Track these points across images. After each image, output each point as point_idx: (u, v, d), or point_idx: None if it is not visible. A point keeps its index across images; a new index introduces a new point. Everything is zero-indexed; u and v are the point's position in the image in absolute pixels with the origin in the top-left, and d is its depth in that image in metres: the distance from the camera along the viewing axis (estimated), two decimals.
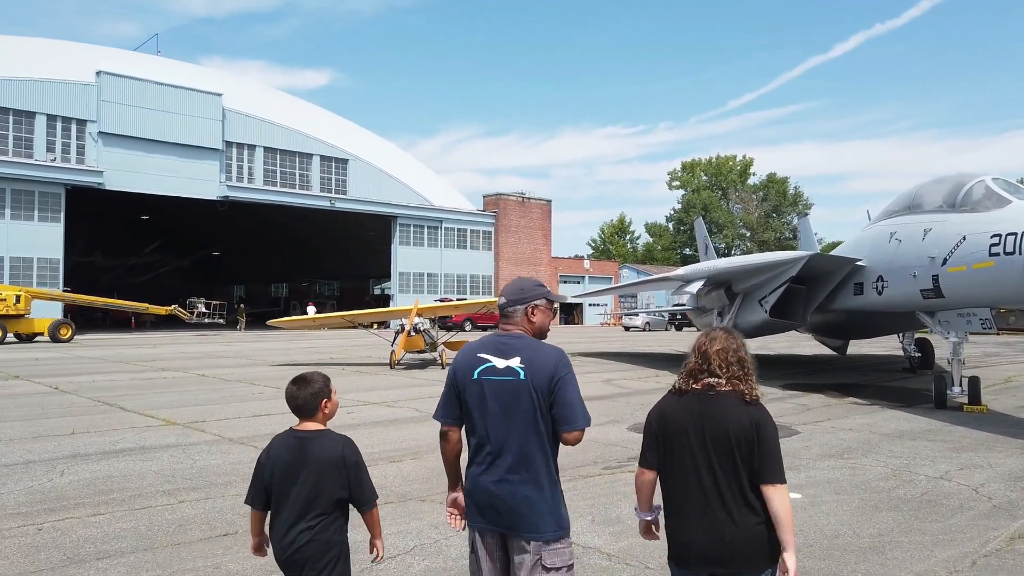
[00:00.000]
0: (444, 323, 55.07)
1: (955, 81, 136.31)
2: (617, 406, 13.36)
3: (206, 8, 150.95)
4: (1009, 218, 11.06)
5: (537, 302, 3.42)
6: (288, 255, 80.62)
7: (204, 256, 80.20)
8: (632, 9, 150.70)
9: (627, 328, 61.09)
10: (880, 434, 10.68)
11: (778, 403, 14.19)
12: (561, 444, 3.30)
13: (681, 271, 21.21)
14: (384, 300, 65.55)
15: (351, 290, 79.48)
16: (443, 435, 3.45)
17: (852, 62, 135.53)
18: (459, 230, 65.27)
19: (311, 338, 37.75)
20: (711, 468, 2.99)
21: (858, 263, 15.59)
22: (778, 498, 2.94)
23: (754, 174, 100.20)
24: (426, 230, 62.73)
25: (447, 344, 24.52)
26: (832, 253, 16.61)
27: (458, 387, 3.38)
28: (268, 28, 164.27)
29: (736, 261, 19.38)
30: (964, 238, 11.80)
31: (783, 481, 2.97)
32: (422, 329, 20.99)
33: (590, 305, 78.79)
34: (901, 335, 20.83)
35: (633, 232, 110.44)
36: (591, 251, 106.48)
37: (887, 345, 29.85)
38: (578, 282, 75.73)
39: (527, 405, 3.21)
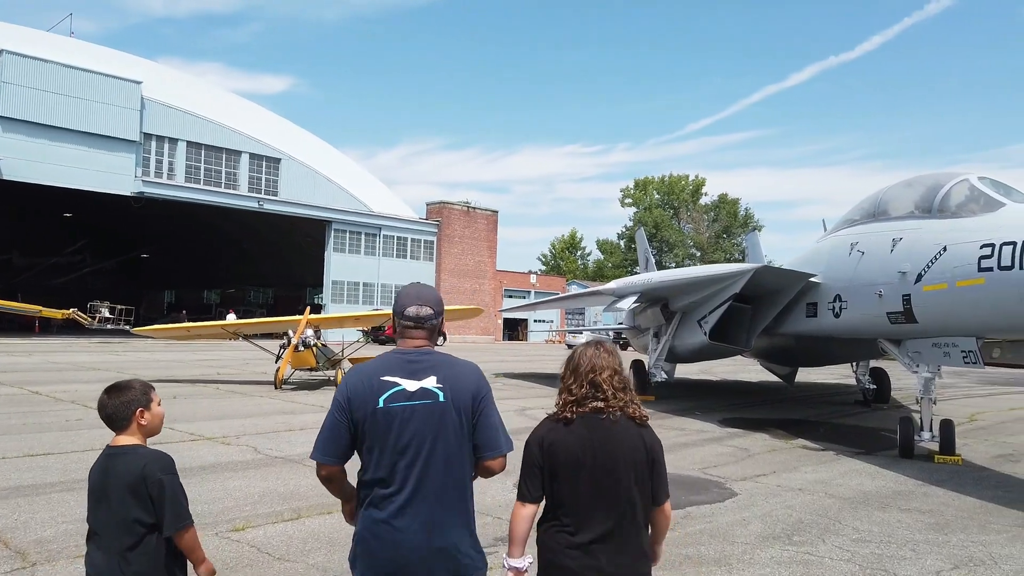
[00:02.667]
0: (378, 336, 52.33)
1: (903, 114, 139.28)
2: (517, 447, 10.67)
3: (165, 8, 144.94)
4: (1004, 224, 8.74)
5: (443, 315, 3.11)
6: (220, 260, 76.35)
7: (131, 258, 75.48)
8: (598, 32, 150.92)
9: (570, 346, 58.69)
10: (840, 499, 8.18)
11: (715, 445, 11.67)
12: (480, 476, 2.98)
13: (613, 285, 18.70)
14: (316, 310, 61.94)
15: (286, 298, 75.43)
16: (326, 479, 2.96)
17: (807, 92, 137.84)
18: (399, 238, 62.17)
19: (218, 349, 34.25)
20: (608, 498, 2.89)
21: (812, 279, 13.23)
22: (665, 514, 3.04)
23: (706, 194, 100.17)
24: (363, 237, 59.49)
25: (359, 361, 21.54)
26: (782, 267, 14.26)
27: (353, 419, 2.84)
28: (228, 31, 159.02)
29: (673, 274, 16.97)
30: (944, 249, 9.46)
31: (668, 497, 3.04)
32: (312, 344, 18.01)
33: (535, 321, 76.45)
34: (855, 363, 18.66)
35: (584, 248, 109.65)
36: (542, 267, 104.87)
37: (837, 372, 27.86)
38: (524, 297, 73.17)
39: (449, 432, 2.83)
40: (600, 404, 2.96)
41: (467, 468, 2.90)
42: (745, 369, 29.43)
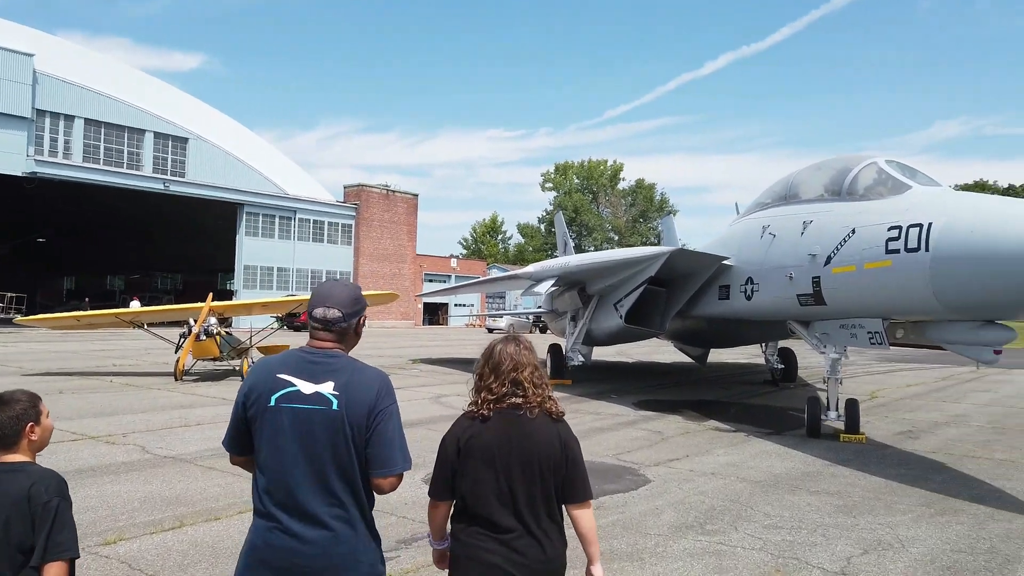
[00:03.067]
0: (292, 323, 50.73)
1: (810, 103, 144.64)
2: (430, 438, 10.28)
3: None
4: (910, 206, 8.85)
5: (364, 313, 2.96)
6: (124, 244, 72.54)
7: (26, 243, 70.74)
8: (518, 17, 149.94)
9: (491, 330, 58.68)
10: (751, 483, 8.15)
11: (629, 430, 11.58)
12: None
13: (531, 268, 18.47)
14: (226, 297, 59.72)
15: (196, 284, 72.28)
16: (243, 466, 2.92)
17: (721, 80, 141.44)
18: (315, 222, 60.38)
19: (118, 339, 32.36)
20: (526, 493, 2.85)
21: (725, 262, 13.29)
22: (587, 517, 2.95)
23: (624, 179, 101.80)
24: (278, 220, 57.49)
25: (269, 350, 20.59)
26: (696, 250, 14.29)
27: (248, 414, 2.77)
28: (134, 5, 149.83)
29: (589, 258, 16.83)
30: (853, 231, 9.54)
31: (591, 497, 2.99)
32: (215, 332, 17.06)
33: (456, 305, 75.97)
34: (764, 344, 19.06)
35: (505, 232, 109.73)
36: (463, 251, 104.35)
37: (747, 352, 28.58)
38: (444, 281, 72.57)
39: (340, 441, 2.67)
40: (519, 400, 2.93)
41: (352, 484, 2.73)
42: (659, 351, 29.84)
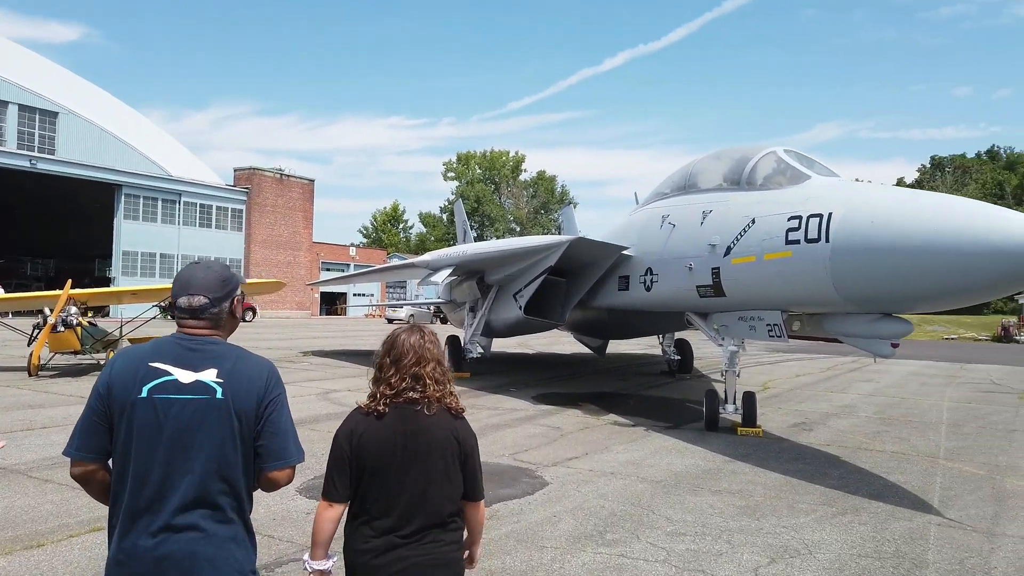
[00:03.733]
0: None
1: (702, 101, 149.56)
2: (311, 440, 9.41)
3: None
4: (810, 196, 8.69)
5: (237, 293, 2.73)
6: None
7: None
8: (422, 5, 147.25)
9: (390, 320, 57.43)
10: (652, 483, 7.76)
11: (527, 426, 11.07)
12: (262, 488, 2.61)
13: (427, 257, 17.68)
14: (104, 284, 55.77)
15: (69, 271, 67.11)
16: (82, 479, 2.53)
17: (619, 77, 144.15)
18: (203, 206, 57.34)
19: None
20: (423, 492, 2.74)
21: (625, 252, 12.98)
22: (480, 513, 2.95)
23: (525, 170, 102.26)
24: (161, 203, 54.22)
25: (138, 341, 18.90)
26: (596, 239, 13.93)
27: (111, 409, 2.47)
28: None
29: (488, 246, 16.24)
30: (753, 221, 9.33)
31: (483, 496, 2.94)
32: (75, 323, 15.43)
33: (355, 295, 74.07)
34: (661, 335, 19.07)
35: (407, 221, 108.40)
36: (363, 239, 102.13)
37: (644, 343, 28.87)
38: (342, 270, 70.53)
39: (224, 435, 2.47)
40: (416, 395, 2.80)
41: (243, 479, 2.54)
42: (559, 341, 29.74)
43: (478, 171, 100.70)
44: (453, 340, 18.75)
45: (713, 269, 10.01)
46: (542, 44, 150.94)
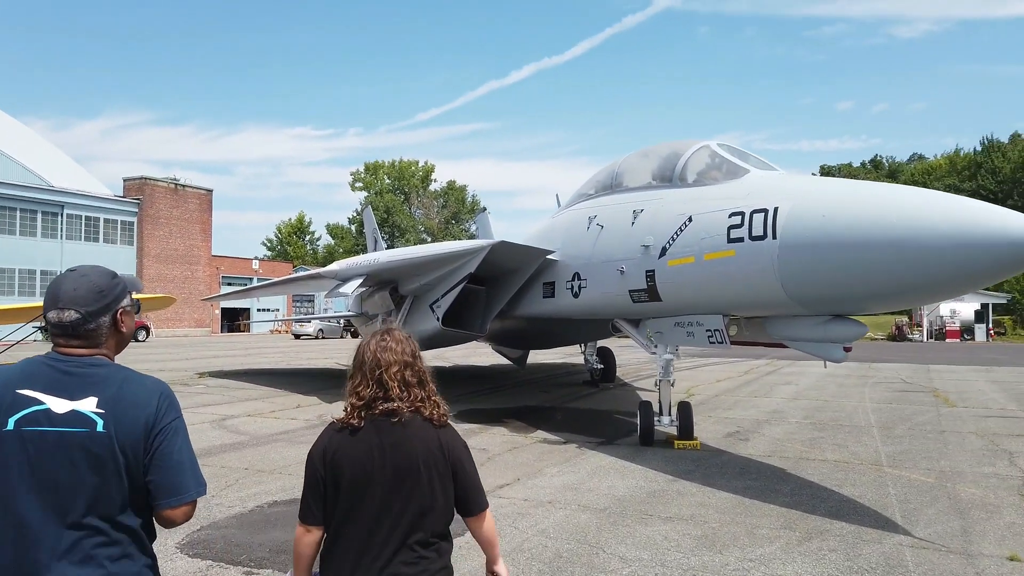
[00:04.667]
0: None
1: (604, 113, 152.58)
2: (207, 475, 8.12)
3: None
4: (751, 191, 8.10)
5: (124, 302, 2.38)
6: None
7: None
8: (322, 14, 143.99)
9: (297, 336, 55.17)
10: (595, 512, 6.91)
11: None
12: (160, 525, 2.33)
13: (335, 266, 16.39)
14: None
15: None
16: None
17: (525, 89, 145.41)
18: (89, 218, 53.43)
19: None
20: (402, 511, 2.50)
21: (549, 257, 12.18)
22: (487, 524, 2.71)
23: (435, 180, 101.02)
24: (40, 216, 50.15)
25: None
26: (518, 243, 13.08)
27: None
28: None
29: (401, 253, 15.13)
30: (690, 220, 8.69)
31: (487, 504, 2.71)
32: None
33: (259, 311, 70.88)
34: (584, 343, 18.43)
35: (314, 233, 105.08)
36: (268, 252, 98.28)
37: (562, 351, 28.26)
38: (245, 284, 67.32)
39: (106, 473, 2.16)
40: (391, 405, 2.56)
41: (135, 518, 2.21)
42: (476, 352, 28.74)
43: (387, 181, 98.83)
44: None
45: (647, 272, 9.32)
46: (449, 55, 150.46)
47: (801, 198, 7.45)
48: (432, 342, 15.84)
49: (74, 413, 2.16)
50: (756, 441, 10.72)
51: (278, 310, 71.81)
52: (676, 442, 10.14)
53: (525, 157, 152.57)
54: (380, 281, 16.16)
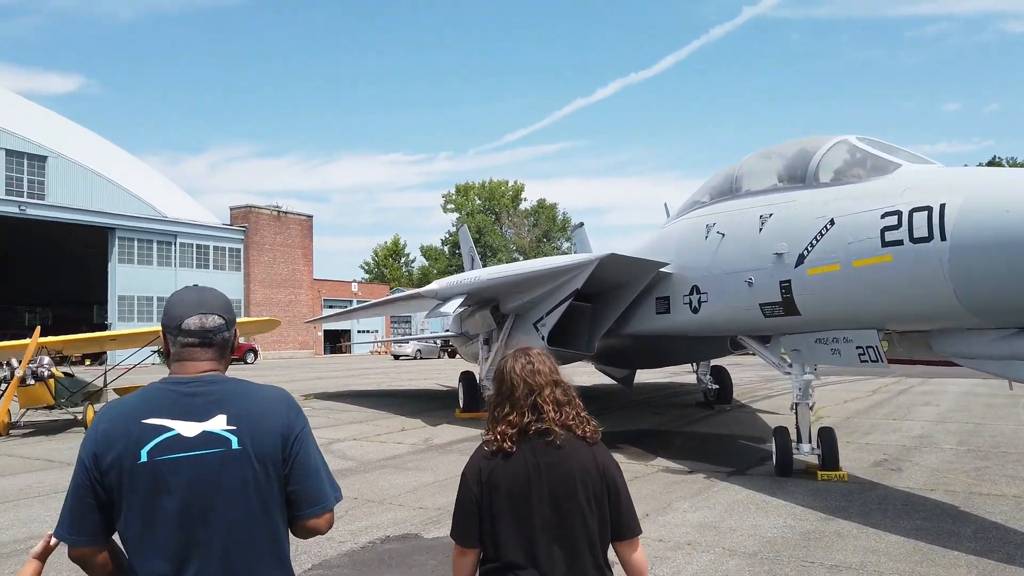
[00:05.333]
0: None
1: (694, 127, 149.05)
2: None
3: None
4: (908, 186, 7.06)
5: (237, 320, 2.40)
6: None
7: None
8: (412, 41, 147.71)
9: (396, 356, 55.79)
10: (744, 556, 6.04)
11: None
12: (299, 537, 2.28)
13: (435, 285, 16.04)
14: (102, 330, 54.26)
15: (66, 319, 65.72)
16: (82, 562, 2.15)
17: (611, 106, 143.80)
18: (199, 247, 55.89)
19: None
20: (563, 536, 2.44)
21: (662, 270, 11.34)
22: (639, 552, 2.58)
23: (525, 199, 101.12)
24: (156, 246, 52.76)
25: (126, 391, 17.21)
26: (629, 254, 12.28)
27: (103, 483, 2.07)
28: (2, 24, 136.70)
29: (504, 270, 14.59)
30: (831, 223, 7.71)
31: (640, 531, 2.59)
32: (46, 375, 13.78)
33: (359, 332, 72.45)
34: (695, 362, 17.35)
35: (408, 255, 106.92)
36: (365, 275, 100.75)
37: (667, 370, 27.06)
38: (345, 306, 68.94)
39: (248, 491, 2.10)
40: (544, 426, 2.52)
41: (278, 537, 2.16)
42: (577, 372, 27.86)
43: (477, 202, 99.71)
44: (467, 376, 17.09)
45: (782, 283, 8.36)
46: (535, 76, 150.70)
47: (974, 191, 6.39)
48: None
49: (206, 434, 2.10)
50: (911, 472, 9.50)
51: (377, 331, 73.14)
52: (819, 472, 9.08)
53: (613, 173, 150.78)
54: (481, 300, 15.67)
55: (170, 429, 2.08)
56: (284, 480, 2.16)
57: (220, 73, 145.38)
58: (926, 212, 6.60)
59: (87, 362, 43.74)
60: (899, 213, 6.88)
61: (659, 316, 11.70)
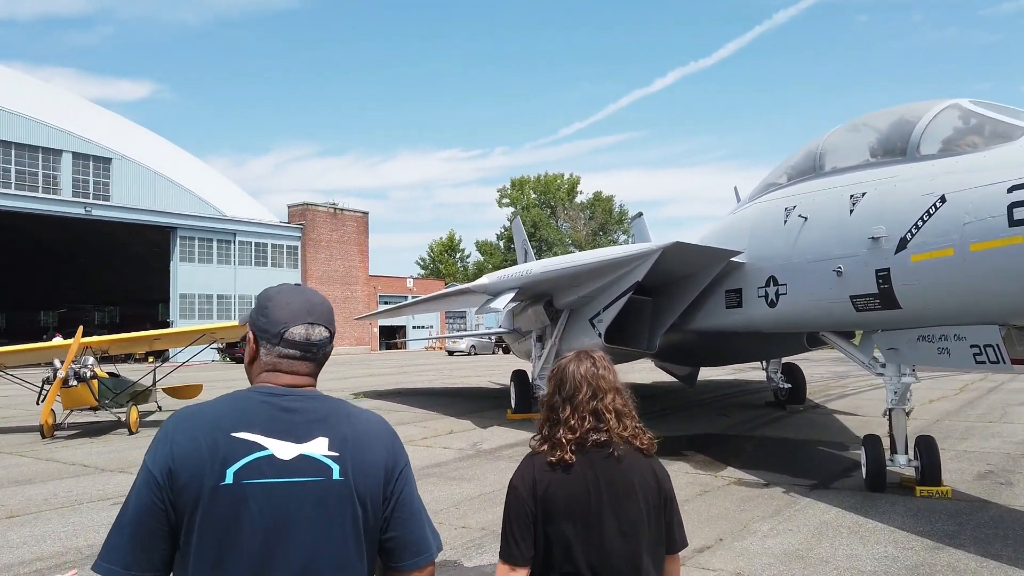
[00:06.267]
0: (235, 354, 46.56)
1: (755, 116, 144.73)
2: None
3: (6, 9, 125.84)
4: None
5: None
6: (52, 277, 67.44)
7: None
8: (468, 38, 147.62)
9: (451, 352, 55.44)
10: None
11: None
12: None
13: (484, 280, 15.22)
14: (165, 327, 55.41)
15: (133, 316, 67.54)
16: None
17: (671, 96, 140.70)
18: (258, 244, 56.49)
19: None
20: (626, 553, 2.29)
21: (733, 260, 10.26)
22: (678, 564, 2.50)
23: (581, 192, 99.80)
24: (216, 244, 53.50)
25: (179, 392, 16.91)
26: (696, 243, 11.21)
27: (176, 504, 1.72)
28: (78, 34, 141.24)
29: (557, 263, 13.62)
30: (942, 200, 6.57)
31: (686, 543, 2.52)
32: (89, 375, 13.46)
33: (414, 328, 72.50)
34: (766, 360, 16.14)
35: (464, 250, 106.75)
36: (421, 271, 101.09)
37: (731, 367, 25.72)
38: (400, 303, 69.02)
39: (347, 532, 1.80)
40: (603, 436, 2.37)
41: None
42: (635, 368, 26.68)
43: (533, 196, 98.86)
44: (519, 375, 16.25)
45: (879, 272, 7.24)
46: (593, 68, 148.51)
47: None
48: None
49: (303, 459, 1.79)
50: (1023, 486, 8.27)
51: (432, 327, 73.05)
52: (917, 488, 7.94)
53: (673, 164, 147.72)
54: (534, 295, 14.79)
55: (263, 448, 1.77)
56: (383, 524, 1.87)
57: (282, 75, 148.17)
58: None
59: (150, 359, 44.64)
60: None
61: (730, 310, 10.62)
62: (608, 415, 2.38)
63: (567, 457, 2.32)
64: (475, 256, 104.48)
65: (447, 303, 23.09)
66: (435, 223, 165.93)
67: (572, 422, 2.37)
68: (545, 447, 2.40)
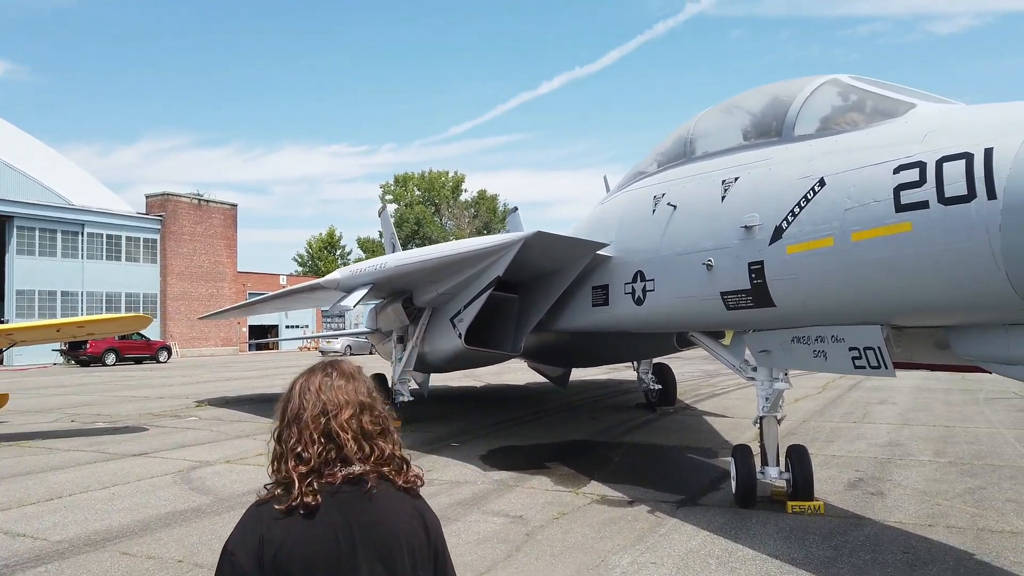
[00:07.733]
0: (77, 355, 42.20)
1: (639, 121, 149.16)
2: (120, 570, 5.50)
3: None
4: (929, 130, 5.21)
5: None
6: None
7: None
8: (359, 32, 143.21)
9: (324, 353, 52.87)
10: None
11: (474, 516, 7.30)
12: None
13: (336, 274, 13.71)
14: None
15: None
16: None
17: (556, 100, 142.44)
18: (110, 236, 51.80)
19: None
20: None
21: (601, 252, 9.36)
22: None
23: (466, 190, 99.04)
24: (60, 236, 48.57)
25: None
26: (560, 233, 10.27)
27: None
28: None
29: (412, 255, 12.30)
30: (821, 183, 5.81)
31: None
32: None
33: (287, 327, 69.14)
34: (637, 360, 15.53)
35: (345, 247, 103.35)
36: (298, 268, 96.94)
37: (606, 366, 25.31)
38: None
39: None
40: (353, 469, 1.85)
41: None
42: (510, 368, 25.90)
43: (417, 192, 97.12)
44: (379, 380, 14.86)
45: (752, 265, 6.45)
46: (481, 69, 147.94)
47: None
48: (454, 363, 13.20)
49: None
50: (895, 496, 7.77)
51: (307, 326, 69.93)
52: (789, 503, 7.25)
53: (559, 167, 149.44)
54: (392, 291, 13.49)
55: None
56: None
57: (156, 59, 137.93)
58: (963, 161, 4.73)
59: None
60: (921, 165, 5.01)
61: (596, 308, 9.72)
62: (344, 435, 1.85)
63: (308, 500, 1.78)
64: (357, 253, 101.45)
65: (296, 300, 21.27)
66: (319, 219, 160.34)
67: (299, 448, 1.84)
68: (279, 491, 1.83)
